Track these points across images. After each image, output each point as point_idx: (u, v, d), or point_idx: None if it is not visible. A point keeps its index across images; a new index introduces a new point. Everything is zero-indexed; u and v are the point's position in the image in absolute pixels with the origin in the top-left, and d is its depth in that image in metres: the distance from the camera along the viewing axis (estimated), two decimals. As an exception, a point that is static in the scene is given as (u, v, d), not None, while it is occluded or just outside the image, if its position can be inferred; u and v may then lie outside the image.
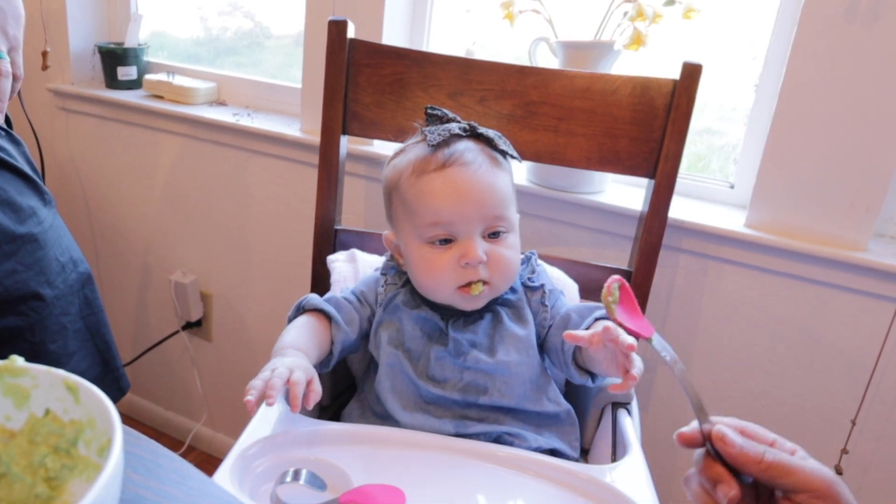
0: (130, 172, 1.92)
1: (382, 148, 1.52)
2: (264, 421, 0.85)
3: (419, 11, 1.55)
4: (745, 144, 1.35)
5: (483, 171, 0.93)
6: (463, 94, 1.21)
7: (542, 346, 1.00)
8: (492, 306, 0.99)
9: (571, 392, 1.09)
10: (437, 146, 0.93)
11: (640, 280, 1.20)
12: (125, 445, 0.45)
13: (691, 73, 1.12)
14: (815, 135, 1.19)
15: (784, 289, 1.27)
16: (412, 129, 1.04)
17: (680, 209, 1.33)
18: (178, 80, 1.79)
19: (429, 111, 0.98)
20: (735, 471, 0.60)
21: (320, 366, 0.97)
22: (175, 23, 1.99)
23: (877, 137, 1.15)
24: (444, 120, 0.98)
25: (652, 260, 1.19)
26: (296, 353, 0.89)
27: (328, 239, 1.28)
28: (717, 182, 1.41)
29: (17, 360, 0.49)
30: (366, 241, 1.27)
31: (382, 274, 1.05)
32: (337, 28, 1.21)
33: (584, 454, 1.06)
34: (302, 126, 1.63)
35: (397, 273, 1.04)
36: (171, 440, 2.11)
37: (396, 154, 1.00)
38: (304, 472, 0.76)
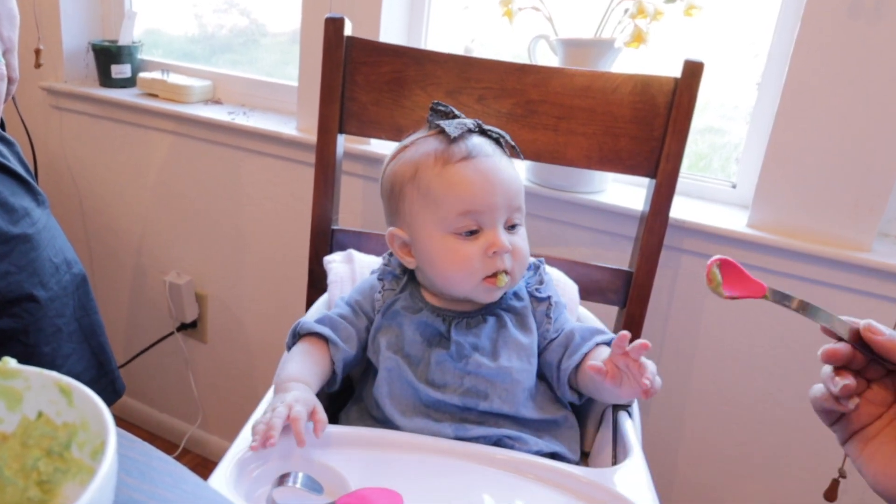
0: (124, 172, 1.91)
1: (380, 147, 1.51)
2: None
3: (417, 8, 1.54)
4: (748, 143, 1.35)
5: (504, 163, 0.96)
6: (462, 92, 1.21)
7: (539, 357, 1.00)
8: (496, 310, 0.98)
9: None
10: (456, 139, 0.94)
11: (640, 281, 1.19)
12: (119, 448, 0.45)
13: (693, 70, 1.12)
14: (819, 133, 1.18)
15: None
16: (411, 128, 1.04)
17: (681, 209, 1.32)
18: (173, 79, 1.79)
19: (437, 107, 0.99)
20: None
21: (326, 387, 0.98)
22: (170, 20, 1.98)
23: (881, 135, 1.14)
24: (450, 116, 0.98)
25: (653, 261, 1.18)
26: (297, 387, 0.89)
27: (325, 239, 1.27)
28: (718, 181, 1.41)
29: (10, 362, 0.49)
30: (363, 242, 1.26)
31: (379, 279, 1.04)
32: (334, 25, 1.20)
33: (585, 457, 1.05)
34: (298, 125, 1.62)
35: (395, 278, 1.04)
36: (165, 443, 2.10)
37: (403, 148, 1.00)
38: (300, 476, 0.75)
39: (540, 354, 1.00)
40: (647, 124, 1.16)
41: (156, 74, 1.80)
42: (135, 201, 1.92)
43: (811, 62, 1.16)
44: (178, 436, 2.09)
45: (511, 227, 0.95)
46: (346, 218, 1.59)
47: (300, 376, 0.92)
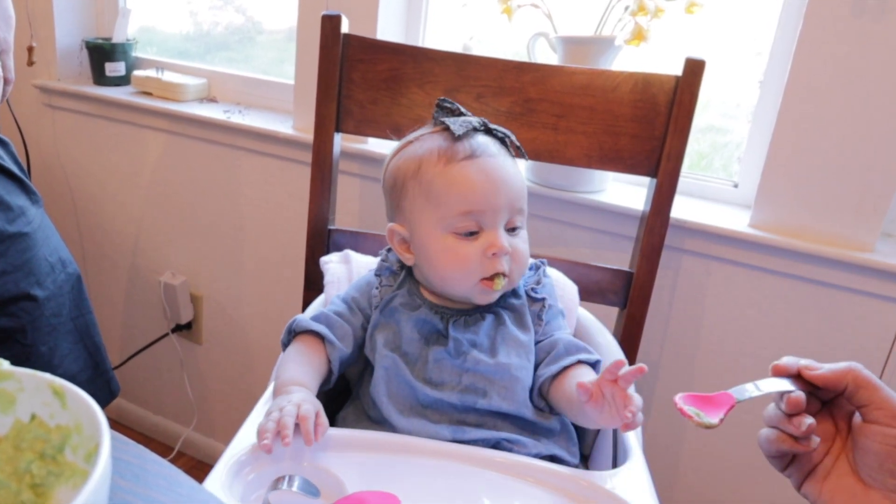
0: (118, 171, 1.89)
1: (377, 146, 1.49)
2: (256, 426, 0.83)
3: (415, 6, 1.53)
4: (750, 142, 1.34)
5: (509, 163, 0.95)
6: (460, 90, 1.20)
7: None
8: (494, 308, 0.98)
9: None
10: (461, 137, 0.93)
11: (641, 281, 1.18)
12: (113, 451, 0.44)
13: (694, 69, 1.12)
14: (822, 132, 1.17)
15: (789, 290, 1.26)
16: (408, 126, 1.03)
17: (682, 209, 1.31)
18: (168, 76, 1.78)
19: (443, 104, 0.98)
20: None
21: (322, 386, 0.97)
22: (164, 17, 1.97)
23: (885, 135, 1.14)
24: (455, 113, 0.98)
25: (654, 261, 1.18)
26: (298, 389, 0.89)
27: (321, 239, 1.26)
28: (720, 181, 1.40)
29: (2, 364, 0.49)
30: (360, 242, 1.25)
31: (377, 275, 1.03)
32: (330, 23, 1.20)
33: (585, 460, 1.05)
34: (294, 123, 1.62)
35: (392, 274, 1.03)
36: (160, 445, 2.09)
37: (407, 144, 0.99)
38: (296, 479, 0.75)
39: None
40: (648, 123, 1.15)
41: (150, 72, 1.79)
42: (129, 201, 1.91)
43: (814, 60, 1.15)
44: (173, 438, 2.08)
45: (512, 230, 0.95)
46: (343, 218, 1.57)
47: (300, 379, 0.91)
